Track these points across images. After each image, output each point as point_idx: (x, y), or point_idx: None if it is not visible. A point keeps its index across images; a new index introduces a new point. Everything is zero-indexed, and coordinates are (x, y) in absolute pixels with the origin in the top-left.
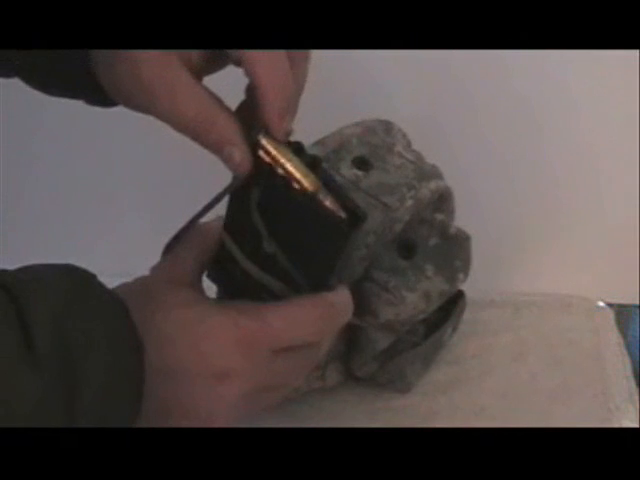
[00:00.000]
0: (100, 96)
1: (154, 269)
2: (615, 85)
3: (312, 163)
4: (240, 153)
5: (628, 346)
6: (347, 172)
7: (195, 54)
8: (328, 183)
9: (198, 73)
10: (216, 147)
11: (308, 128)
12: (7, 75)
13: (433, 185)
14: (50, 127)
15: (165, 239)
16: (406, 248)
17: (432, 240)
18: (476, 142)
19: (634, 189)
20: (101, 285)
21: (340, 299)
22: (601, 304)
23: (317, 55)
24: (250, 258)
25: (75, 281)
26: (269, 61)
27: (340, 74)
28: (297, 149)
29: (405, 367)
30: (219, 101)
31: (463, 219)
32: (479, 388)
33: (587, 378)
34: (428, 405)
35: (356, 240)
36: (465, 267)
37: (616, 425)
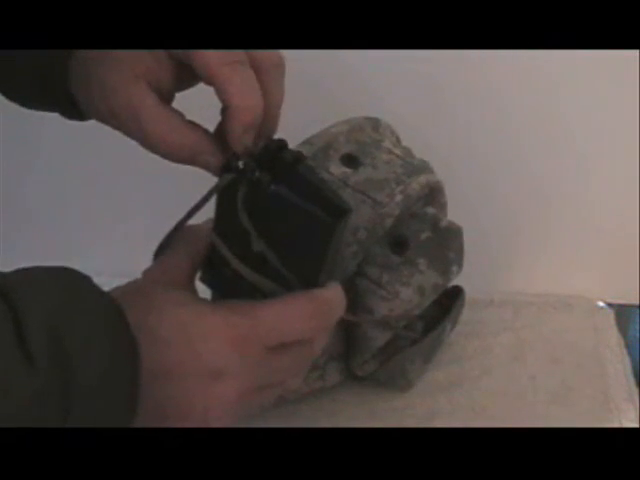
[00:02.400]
0: (76, 111)
1: (146, 272)
2: (615, 85)
3: (295, 159)
4: (215, 160)
5: (628, 346)
6: (336, 170)
7: (164, 77)
8: (312, 179)
9: (169, 94)
10: (190, 160)
11: (296, 127)
12: None
13: (423, 179)
14: (49, 127)
15: None
16: (398, 244)
17: (424, 234)
18: (474, 141)
19: (634, 189)
20: (95, 287)
21: (332, 294)
22: (601, 304)
23: (305, 55)
24: (240, 259)
25: (70, 283)
26: (238, 82)
27: (327, 73)
28: (280, 147)
29: (405, 365)
30: (184, 119)
31: (462, 219)
32: (479, 388)
33: (587, 378)
34: (428, 405)
35: (342, 234)
36: (458, 259)
37: (616, 425)
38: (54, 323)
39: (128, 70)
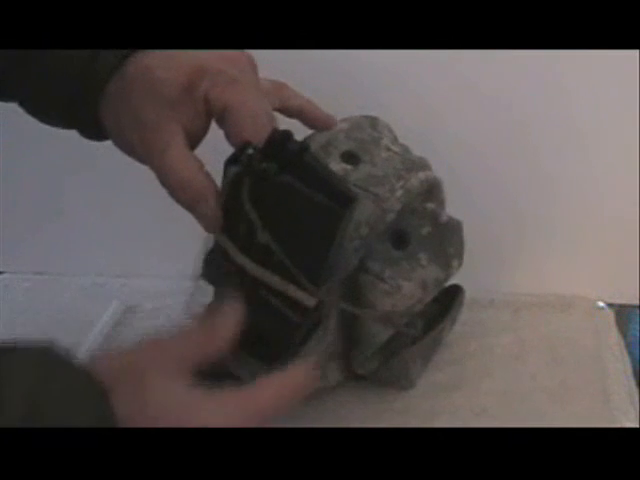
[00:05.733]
0: (99, 133)
1: (146, 344)
2: (615, 85)
3: (301, 149)
4: (212, 212)
5: (628, 346)
6: (336, 167)
7: (196, 125)
8: (318, 168)
9: (195, 141)
10: (191, 203)
11: (296, 126)
12: (6, 100)
13: (422, 175)
14: (50, 128)
15: (165, 240)
16: (399, 239)
17: (424, 229)
18: (473, 141)
19: (634, 189)
20: (80, 366)
21: (298, 373)
22: (601, 304)
23: (305, 55)
24: (245, 253)
25: (52, 361)
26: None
27: (326, 73)
28: (285, 137)
29: (407, 363)
30: (202, 166)
31: (463, 219)
32: (479, 388)
33: (587, 378)
34: (429, 405)
35: (349, 222)
36: (459, 253)
37: (616, 425)
38: (32, 401)
39: (167, 108)
